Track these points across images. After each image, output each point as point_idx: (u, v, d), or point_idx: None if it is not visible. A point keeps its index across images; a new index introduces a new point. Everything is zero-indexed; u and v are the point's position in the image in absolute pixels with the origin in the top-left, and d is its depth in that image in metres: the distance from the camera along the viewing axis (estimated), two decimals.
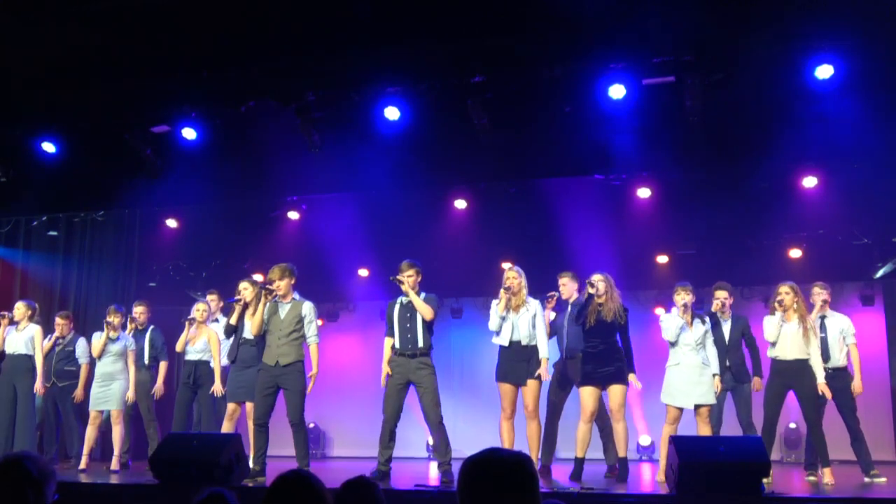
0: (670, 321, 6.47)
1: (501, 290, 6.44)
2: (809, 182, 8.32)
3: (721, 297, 7.09)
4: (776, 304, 6.59)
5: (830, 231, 9.21)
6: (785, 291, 6.61)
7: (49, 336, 8.22)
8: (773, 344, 6.60)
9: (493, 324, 6.49)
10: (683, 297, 6.46)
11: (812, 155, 7.09)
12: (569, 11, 6.29)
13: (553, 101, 7.15)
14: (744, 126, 6.95)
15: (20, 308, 8.07)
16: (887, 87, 6.52)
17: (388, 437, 6.29)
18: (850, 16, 6.09)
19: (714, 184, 8.45)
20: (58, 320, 8.28)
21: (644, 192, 8.73)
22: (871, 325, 9.77)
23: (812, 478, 6.81)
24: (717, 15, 6.31)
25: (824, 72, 6.29)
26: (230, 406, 6.88)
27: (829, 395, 6.50)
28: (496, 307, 6.47)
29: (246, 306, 6.78)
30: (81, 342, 8.13)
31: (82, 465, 7.58)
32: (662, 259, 9.94)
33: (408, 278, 6.37)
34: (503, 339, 6.46)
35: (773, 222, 9.06)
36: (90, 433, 7.69)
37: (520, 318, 6.45)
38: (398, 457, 6.54)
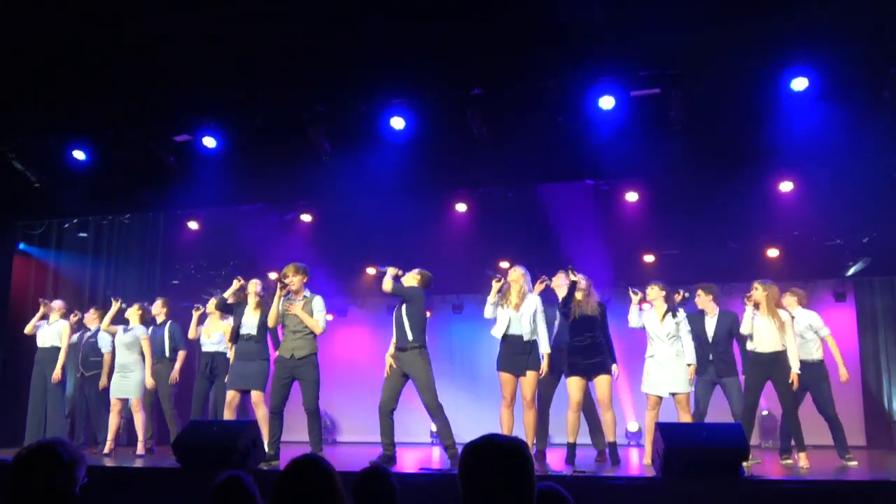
0: (631, 311, 6.57)
1: (494, 281, 6.46)
2: (786, 186, 8.32)
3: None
4: (746, 299, 6.61)
5: (805, 232, 9.20)
6: (754, 287, 6.61)
7: (79, 332, 8.24)
8: (751, 337, 6.60)
9: (487, 312, 6.50)
10: (655, 290, 6.55)
11: (788, 161, 7.08)
12: (561, 29, 6.31)
13: (547, 112, 7.15)
14: (724, 135, 6.94)
15: (58, 307, 8.09)
16: (856, 99, 6.51)
17: (387, 424, 6.25)
18: (824, 31, 6.09)
19: (697, 188, 8.44)
20: (92, 311, 8.28)
21: (631, 196, 8.72)
22: (843, 320, 9.76)
23: (788, 461, 6.80)
24: (700, 32, 6.31)
25: (799, 84, 6.30)
26: (229, 394, 6.72)
27: (796, 384, 6.46)
28: (489, 301, 6.48)
29: (244, 295, 6.79)
30: (103, 334, 8.13)
31: (107, 450, 7.60)
32: (649, 258, 9.94)
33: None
34: (498, 332, 6.44)
35: (752, 224, 9.05)
36: (112, 420, 7.74)
37: (521, 316, 6.42)
38: (403, 442, 6.53)
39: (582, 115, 6.89)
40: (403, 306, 6.40)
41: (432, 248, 9.37)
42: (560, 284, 6.90)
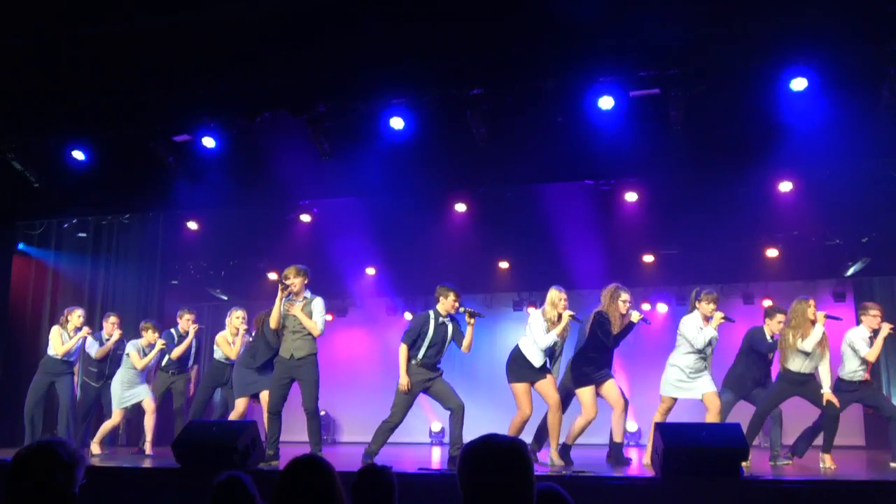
0: (704, 333, 6.28)
1: (566, 314, 6.38)
2: (785, 187, 8.34)
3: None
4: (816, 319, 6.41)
5: (805, 232, 9.22)
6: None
7: (97, 336, 8.20)
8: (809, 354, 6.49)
9: (549, 339, 6.38)
10: (713, 305, 6.35)
11: (788, 162, 7.08)
12: (561, 29, 6.30)
13: (546, 112, 7.14)
14: (724, 135, 6.94)
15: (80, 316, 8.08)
16: (856, 99, 6.52)
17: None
18: (824, 31, 6.09)
19: (697, 188, 8.45)
20: (112, 319, 8.26)
21: (631, 196, 8.73)
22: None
23: (786, 461, 6.81)
24: (699, 32, 6.31)
25: (799, 84, 6.30)
26: (241, 402, 7.07)
27: (836, 402, 6.44)
28: (555, 331, 6.36)
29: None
30: (131, 349, 7.93)
31: (95, 451, 7.67)
32: (648, 258, 9.95)
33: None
34: (538, 360, 6.39)
35: (752, 224, 9.06)
36: (106, 427, 7.83)
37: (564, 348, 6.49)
38: (403, 442, 6.54)
39: (581, 116, 6.88)
40: (452, 333, 6.46)
41: (431, 249, 9.39)
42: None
